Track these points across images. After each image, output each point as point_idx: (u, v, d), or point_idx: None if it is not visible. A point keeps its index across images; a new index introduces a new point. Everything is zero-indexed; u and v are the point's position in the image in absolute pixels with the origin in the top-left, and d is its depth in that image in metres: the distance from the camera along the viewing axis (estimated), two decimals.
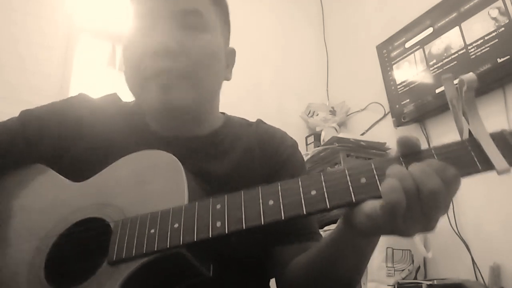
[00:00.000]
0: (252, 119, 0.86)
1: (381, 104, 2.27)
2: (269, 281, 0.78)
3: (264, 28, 2.65)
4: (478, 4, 1.76)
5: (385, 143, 2.13)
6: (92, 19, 2.15)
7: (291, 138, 0.83)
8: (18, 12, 1.94)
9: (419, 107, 1.96)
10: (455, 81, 0.47)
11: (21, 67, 1.88)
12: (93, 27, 2.18)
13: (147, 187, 0.59)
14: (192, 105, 0.70)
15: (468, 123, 0.46)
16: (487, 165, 0.43)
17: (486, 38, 1.71)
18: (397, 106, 2.08)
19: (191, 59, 0.69)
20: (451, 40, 1.86)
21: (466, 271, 1.64)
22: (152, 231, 0.52)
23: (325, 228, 1.82)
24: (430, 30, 1.97)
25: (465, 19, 1.81)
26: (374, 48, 2.27)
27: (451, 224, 1.70)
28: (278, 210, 0.47)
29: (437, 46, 1.93)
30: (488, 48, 1.70)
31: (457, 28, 1.84)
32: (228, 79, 0.81)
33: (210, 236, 0.49)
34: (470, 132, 0.46)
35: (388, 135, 2.17)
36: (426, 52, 1.98)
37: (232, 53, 0.83)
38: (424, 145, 0.45)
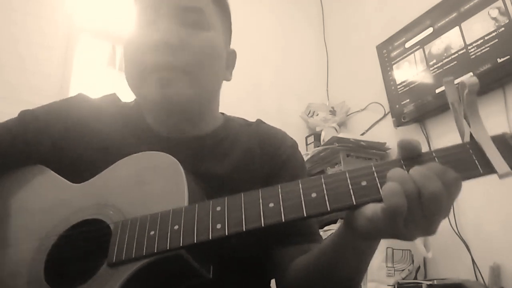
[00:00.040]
0: (252, 119, 0.86)
1: (381, 104, 2.27)
2: (269, 281, 0.78)
3: (264, 28, 2.65)
4: (478, 4, 1.76)
5: (385, 143, 2.13)
6: (92, 19, 2.15)
7: (291, 138, 0.83)
8: (18, 12, 1.93)
9: (419, 107, 1.96)
10: (456, 81, 0.47)
11: (21, 67, 1.88)
12: (93, 27, 2.18)
13: (147, 189, 0.59)
14: (190, 101, 0.70)
15: (470, 126, 0.46)
16: (488, 169, 0.43)
17: (486, 38, 1.71)
18: (397, 106, 2.08)
19: (191, 55, 0.69)
20: (451, 40, 1.86)
21: (466, 271, 1.64)
22: (152, 232, 0.52)
23: (325, 228, 1.82)
24: (430, 30, 1.97)
25: (465, 19, 1.81)
26: (374, 48, 2.27)
27: (451, 224, 1.70)
28: (278, 212, 0.47)
29: (437, 46, 1.93)
30: (488, 48, 1.70)
31: (457, 28, 1.84)
32: (228, 80, 0.81)
33: (210, 238, 0.49)
34: (471, 135, 0.46)
35: (388, 135, 2.17)
36: (426, 52, 1.97)
37: (232, 55, 0.83)
38: (424, 145, 0.45)
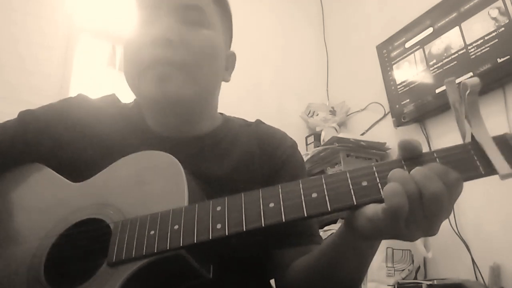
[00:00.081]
0: (252, 119, 0.86)
1: (381, 104, 2.27)
2: (269, 281, 0.78)
3: (264, 28, 2.65)
4: (478, 4, 1.76)
5: (385, 143, 2.13)
6: (92, 19, 2.15)
7: (291, 138, 0.83)
8: (18, 12, 1.93)
9: (419, 107, 1.96)
10: (457, 81, 0.46)
11: (21, 67, 1.88)
12: (93, 27, 2.17)
13: (147, 188, 0.59)
14: (187, 99, 0.70)
15: (471, 126, 0.46)
16: (490, 169, 0.42)
17: (486, 38, 1.71)
18: (397, 106, 2.08)
19: (190, 51, 0.69)
20: (451, 40, 1.86)
21: (466, 271, 1.64)
22: (152, 232, 0.52)
23: (325, 228, 1.82)
24: (430, 30, 1.97)
25: (465, 19, 1.81)
26: (374, 48, 2.27)
27: (451, 224, 1.70)
28: (278, 212, 0.47)
29: (437, 46, 1.93)
30: (488, 48, 1.70)
31: (457, 28, 1.84)
32: (226, 81, 0.81)
33: (210, 238, 0.49)
34: (472, 136, 0.45)
35: (388, 135, 2.17)
36: (426, 52, 1.97)
37: (232, 56, 0.83)
38: (424, 145, 0.45)
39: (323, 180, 0.47)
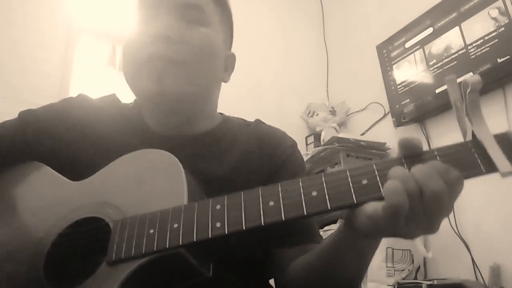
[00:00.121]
0: (252, 119, 0.85)
1: (381, 104, 2.27)
2: (268, 280, 0.78)
3: (264, 28, 2.65)
4: (478, 4, 1.76)
5: (385, 143, 2.13)
6: (92, 19, 2.15)
7: (290, 138, 0.83)
8: (17, 13, 1.93)
9: (419, 107, 1.96)
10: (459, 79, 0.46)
11: (21, 67, 1.88)
12: (93, 27, 2.17)
13: (147, 187, 0.59)
14: (185, 95, 0.70)
15: (472, 125, 0.45)
16: (491, 167, 0.42)
17: (486, 38, 1.71)
18: (397, 106, 2.08)
19: (189, 49, 0.69)
20: (451, 40, 1.86)
21: (466, 271, 1.64)
22: (151, 231, 0.52)
23: (325, 228, 1.82)
24: (430, 30, 1.97)
25: (465, 19, 1.81)
26: (374, 48, 2.27)
27: (451, 224, 1.70)
28: (278, 210, 0.47)
29: (437, 46, 1.93)
30: (488, 48, 1.70)
31: (457, 28, 1.84)
32: (225, 81, 0.81)
33: (210, 236, 0.49)
34: (473, 134, 0.45)
35: (388, 135, 2.16)
36: (426, 52, 1.97)
37: (232, 57, 0.83)
38: (424, 145, 0.45)
39: (323, 178, 0.47)
